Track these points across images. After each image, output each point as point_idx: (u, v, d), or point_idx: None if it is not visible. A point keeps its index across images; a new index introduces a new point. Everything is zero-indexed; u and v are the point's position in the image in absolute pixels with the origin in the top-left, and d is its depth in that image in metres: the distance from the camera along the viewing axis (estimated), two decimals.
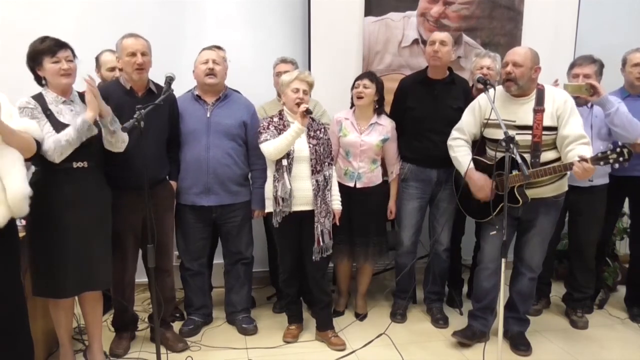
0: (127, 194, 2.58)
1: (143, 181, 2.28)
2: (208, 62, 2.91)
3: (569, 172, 2.68)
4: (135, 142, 2.46)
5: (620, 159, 2.37)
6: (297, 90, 2.79)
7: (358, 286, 3.38)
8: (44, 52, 2.30)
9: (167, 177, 2.90)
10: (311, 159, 2.81)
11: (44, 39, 2.33)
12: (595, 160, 2.40)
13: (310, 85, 2.86)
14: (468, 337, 2.90)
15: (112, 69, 3.09)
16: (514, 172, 2.53)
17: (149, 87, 2.73)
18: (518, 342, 2.88)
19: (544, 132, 2.58)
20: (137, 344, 2.93)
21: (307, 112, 2.68)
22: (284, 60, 3.32)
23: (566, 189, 2.76)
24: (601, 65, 3.04)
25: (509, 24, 3.94)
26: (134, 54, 2.61)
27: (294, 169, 2.79)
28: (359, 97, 3.06)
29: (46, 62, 2.31)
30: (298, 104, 2.74)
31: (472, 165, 2.77)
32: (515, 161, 2.37)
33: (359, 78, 3.10)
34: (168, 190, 2.88)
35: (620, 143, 2.58)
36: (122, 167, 2.57)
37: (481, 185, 2.74)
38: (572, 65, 3.09)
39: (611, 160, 2.39)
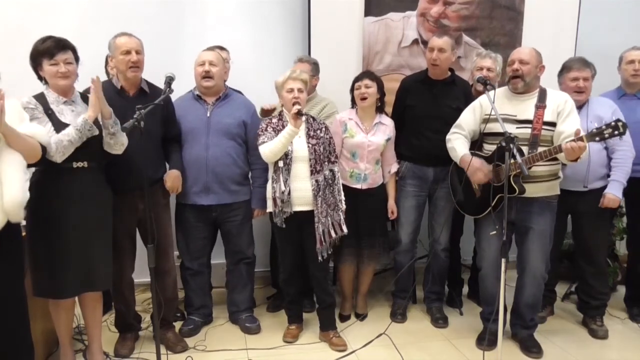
0: (123, 195, 2.58)
1: (139, 182, 2.27)
2: (204, 65, 2.90)
3: (561, 176, 2.75)
4: (131, 143, 2.46)
5: (616, 132, 2.35)
6: (292, 90, 2.77)
7: (359, 286, 3.38)
8: (43, 53, 2.30)
9: (167, 170, 2.86)
10: (310, 159, 2.80)
11: (46, 39, 2.32)
12: (591, 136, 2.39)
13: (305, 82, 2.83)
14: (493, 343, 2.75)
15: None
16: (511, 161, 2.47)
17: (140, 87, 2.72)
18: (529, 344, 2.85)
19: (543, 127, 2.63)
20: (138, 344, 2.93)
21: (299, 113, 2.65)
22: (300, 60, 3.30)
23: (558, 192, 2.78)
24: (594, 69, 3.03)
25: (509, 24, 3.94)
26: (128, 52, 2.60)
27: (293, 169, 2.78)
28: (363, 99, 3.01)
29: (45, 64, 2.31)
30: (295, 104, 2.73)
31: (467, 151, 2.79)
32: (514, 153, 2.37)
33: (358, 79, 3.06)
34: (164, 190, 2.85)
35: (614, 117, 2.52)
36: (118, 169, 2.56)
37: (477, 167, 2.72)
38: (569, 69, 3.02)
39: (606, 135, 2.37)
